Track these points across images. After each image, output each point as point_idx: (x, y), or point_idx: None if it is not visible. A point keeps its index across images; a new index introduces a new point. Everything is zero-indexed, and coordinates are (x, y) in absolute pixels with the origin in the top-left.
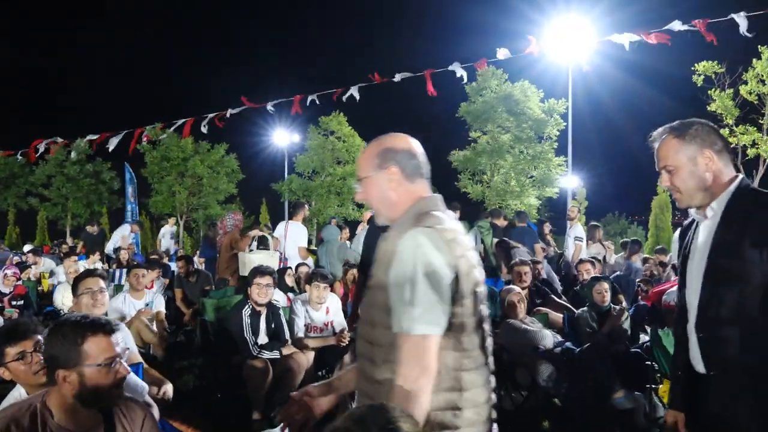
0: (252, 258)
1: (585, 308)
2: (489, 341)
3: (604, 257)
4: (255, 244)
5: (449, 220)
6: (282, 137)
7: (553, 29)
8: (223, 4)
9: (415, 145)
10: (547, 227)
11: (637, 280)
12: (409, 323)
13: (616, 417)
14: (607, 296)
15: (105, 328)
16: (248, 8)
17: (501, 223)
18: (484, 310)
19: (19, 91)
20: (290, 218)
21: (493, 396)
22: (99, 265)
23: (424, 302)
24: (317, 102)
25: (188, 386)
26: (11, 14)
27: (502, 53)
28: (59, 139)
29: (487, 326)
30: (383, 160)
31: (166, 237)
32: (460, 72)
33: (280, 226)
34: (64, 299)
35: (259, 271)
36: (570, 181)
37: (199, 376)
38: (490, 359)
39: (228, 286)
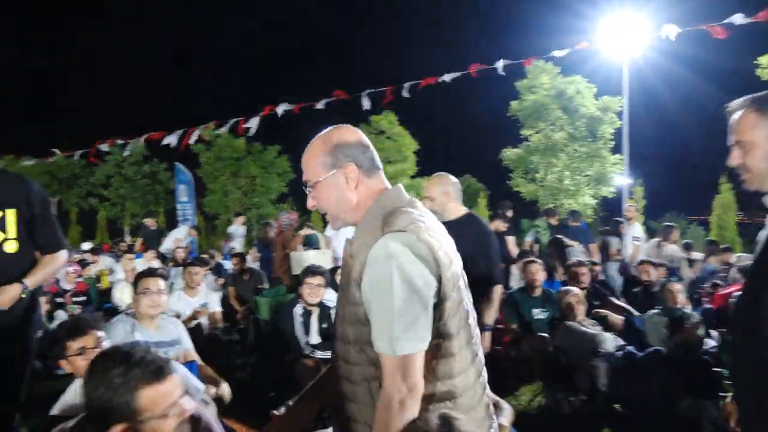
0: (303, 257)
1: (655, 311)
2: (476, 332)
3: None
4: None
5: (418, 210)
6: None
7: (608, 24)
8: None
9: (364, 136)
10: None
11: (708, 283)
12: (392, 343)
13: (681, 425)
14: (681, 299)
15: (161, 373)
16: (303, 7)
17: (555, 222)
18: (467, 300)
19: (77, 94)
20: None
21: (487, 391)
22: (155, 264)
23: (406, 318)
24: (365, 104)
25: (242, 384)
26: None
27: (557, 53)
28: (119, 141)
29: (472, 317)
30: (336, 158)
31: (236, 236)
32: (501, 70)
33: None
34: (122, 296)
35: (311, 270)
36: (626, 180)
37: (252, 375)
38: (480, 352)
39: (281, 285)
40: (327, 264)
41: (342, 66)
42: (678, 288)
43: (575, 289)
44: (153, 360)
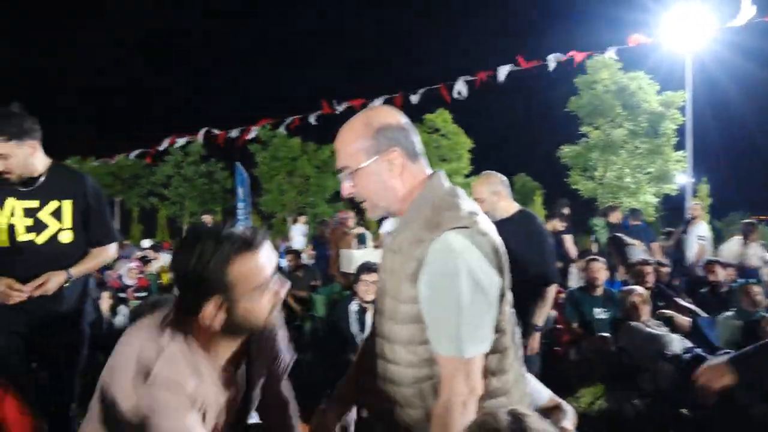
0: (353, 255)
1: (730, 313)
2: (514, 319)
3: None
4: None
5: (465, 200)
6: None
7: (670, 17)
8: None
9: (405, 117)
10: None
11: None
12: (458, 345)
13: (754, 430)
14: (762, 302)
15: (252, 244)
16: (355, 8)
17: (616, 219)
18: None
19: (141, 98)
20: None
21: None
22: None
23: (472, 319)
24: (413, 100)
25: (298, 381)
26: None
27: (611, 51)
28: (179, 140)
29: (510, 306)
30: (379, 142)
31: (298, 235)
32: (553, 65)
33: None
34: None
35: (366, 267)
36: (689, 178)
37: (309, 372)
38: (518, 339)
39: (335, 282)
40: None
41: (399, 63)
42: (758, 290)
43: (639, 289)
44: (244, 232)
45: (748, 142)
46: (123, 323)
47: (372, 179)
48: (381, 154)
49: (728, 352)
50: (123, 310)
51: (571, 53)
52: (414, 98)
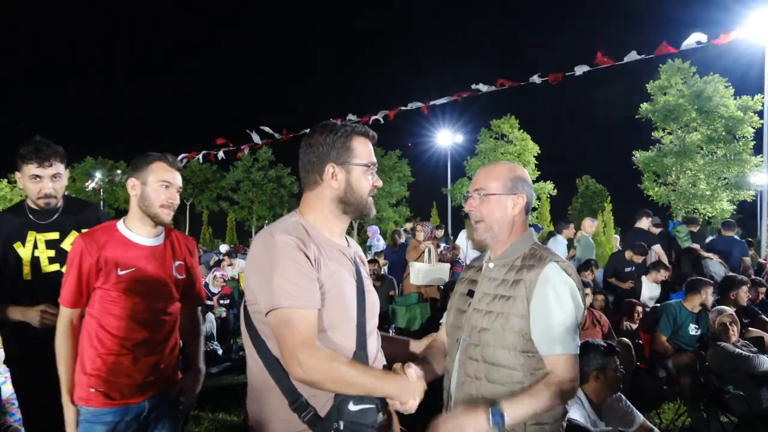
0: (419, 267)
1: None
2: None
3: None
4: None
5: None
6: (446, 139)
7: (748, 17)
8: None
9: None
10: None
11: None
12: (567, 345)
13: None
14: None
15: (369, 133)
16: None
17: (695, 230)
18: None
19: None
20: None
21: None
22: None
23: (572, 330)
24: (477, 92)
25: None
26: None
27: (695, 36)
28: (249, 144)
29: None
30: (516, 185)
31: (374, 238)
32: (635, 57)
33: (462, 234)
34: None
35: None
36: (763, 182)
37: None
38: None
39: (412, 292)
40: (444, 276)
41: (467, 63)
42: None
43: (728, 309)
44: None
45: None
46: (210, 330)
47: (497, 207)
48: (513, 195)
49: None
50: (210, 318)
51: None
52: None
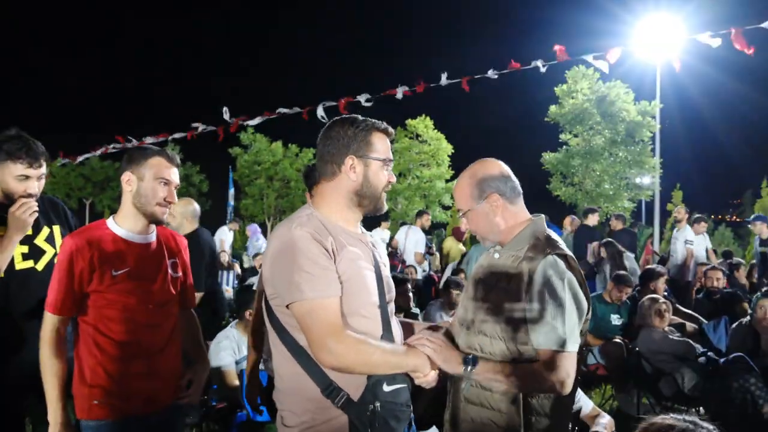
0: None
1: (746, 320)
2: None
3: None
4: None
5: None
6: None
7: (642, 28)
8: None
9: (505, 166)
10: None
11: None
12: (560, 341)
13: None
14: None
15: (388, 129)
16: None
17: (593, 222)
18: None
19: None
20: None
21: None
22: None
23: (571, 325)
24: (399, 95)
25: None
26: None
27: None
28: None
29: None
30: (481, 190)
31: (254, 238)
32: (542, 67)
33: (402, 230)
34: None
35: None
36: (657, 183)
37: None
38: None
39: None
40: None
41: (380, 64)
42: None
43: (661, 298)
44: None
45: (716, 149)
46: None
47: (480, 218)
48: (483, 200)
49: (741, 356)
50: None
51: (556, 47)
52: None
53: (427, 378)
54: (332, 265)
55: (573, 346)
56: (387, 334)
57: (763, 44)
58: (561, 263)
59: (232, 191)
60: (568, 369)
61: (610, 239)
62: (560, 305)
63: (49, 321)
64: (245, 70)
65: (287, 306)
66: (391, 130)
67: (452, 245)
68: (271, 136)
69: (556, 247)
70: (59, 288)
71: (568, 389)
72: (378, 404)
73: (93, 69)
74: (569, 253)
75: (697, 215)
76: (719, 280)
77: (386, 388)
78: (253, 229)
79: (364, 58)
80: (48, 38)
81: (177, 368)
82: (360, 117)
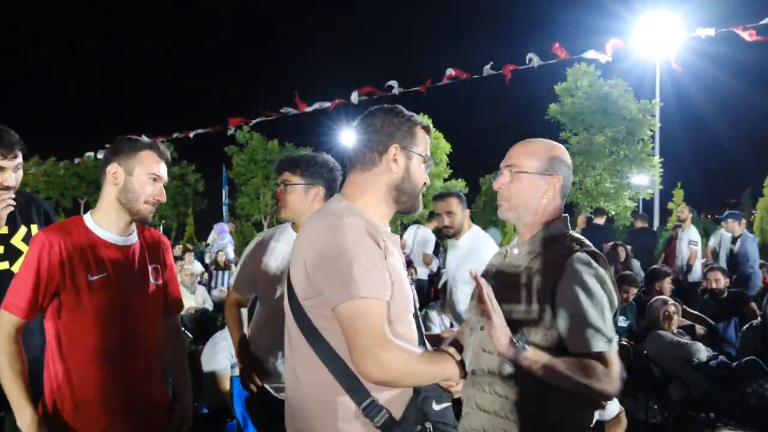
0: None
1: (757, 321)
2: None
3: None
4: None
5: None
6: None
7: (642, 25)
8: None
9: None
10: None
11: None
12: (607, 343)
13: None
14: None
15: (428, 127)
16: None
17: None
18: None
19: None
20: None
21: None
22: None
23: (608, 324)
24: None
25: None
26: None
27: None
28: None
29: None
30: (552, 166)
31: (220, 237)
32: (537, 62)
33: (410, 229)
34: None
35: None
36: (658, 182)
37: None
38: None
39: None
40: None
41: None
42: None
43: (670, 299)
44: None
45: (716, 148)
46: None
47: (528, 187)
48: (548, 175)
49: (754, 359)
50: None
51: (556, 45)
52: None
53: (459, 386)
54: (385, 264)
55: (616, 343)
56: (422, 344)
57: (763, 42)
58: (590, 259)
59: (225, 190)
60: (618, 368)
61: (616, 242)
62: (597, 305)
63: (7, 323)
64: (245, 70)
65: (334, 307)
66: (431, 128)
67: None
68: (267, 135)
69: (585, 244)
70: (23, 287)
71: (617, 391)
72: (429, 425)
73: (93, 69)
74: (597, 251)
75: (733, 212)
76: (719, 281)
77: (436, 406)
78: (219, 228)
79: (362, 57)
80: (48, 38)
81: (162, 390)
82: (404, 109)
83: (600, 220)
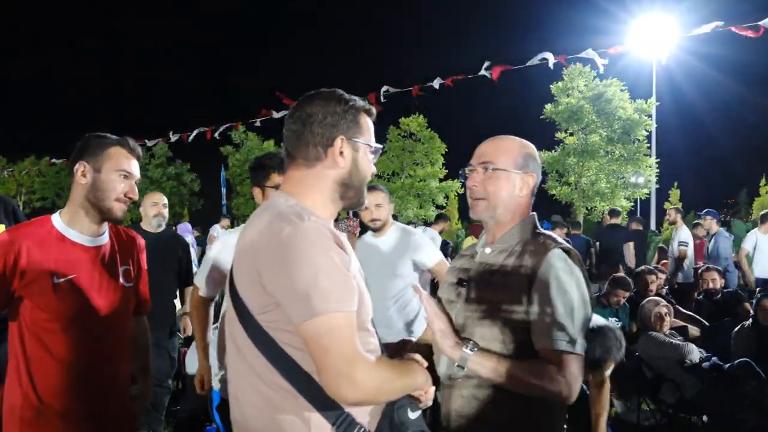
0: None
1: (749, 323)
2: None
3: None
4: None
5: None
6: None
7: (639, 26)
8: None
9: None
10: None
11: None
12: (569, 340)
13: None
14: None
15: (372, 111)
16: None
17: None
18: None
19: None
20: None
21: None
22: None
23: (579, 324)
24: (388, 92)
25: None
26: None
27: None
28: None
29: None
30: (527, 164)
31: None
32: (552, 60)
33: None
34: None
35: None
36: (653, 182)
37: None
38: None
39: None
40: None
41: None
42: None
43: (662, 300)
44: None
45: (712, 148)
46: None
47: (504, 185)
48: (523, 173)
49: (747, 361)
50: None
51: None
52: (385, 93)
53: (429, 394)
54: (351, 270)
55: (581, 347)
56: (383, 351)
57: (760, 42)
58: (572, 260)
59: (224, 190)
60: (576, 372)
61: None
62: (569, 302)
63: None
64: (244, 70)
65: (298, 325)
66: (374, 111)
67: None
68: (263, 135)
69: (558, 242)
70: None
71: (574, 396)
72: None
73: (93, 69)
74: (572, 247)
75: (711, 211)
76: (714, 281)
77: (411, 415)
78: (182, 228)
79: (362, 58)
80: (48, 38)
81: (127, 400)
82: (343, 92)
83: (616, 220)
